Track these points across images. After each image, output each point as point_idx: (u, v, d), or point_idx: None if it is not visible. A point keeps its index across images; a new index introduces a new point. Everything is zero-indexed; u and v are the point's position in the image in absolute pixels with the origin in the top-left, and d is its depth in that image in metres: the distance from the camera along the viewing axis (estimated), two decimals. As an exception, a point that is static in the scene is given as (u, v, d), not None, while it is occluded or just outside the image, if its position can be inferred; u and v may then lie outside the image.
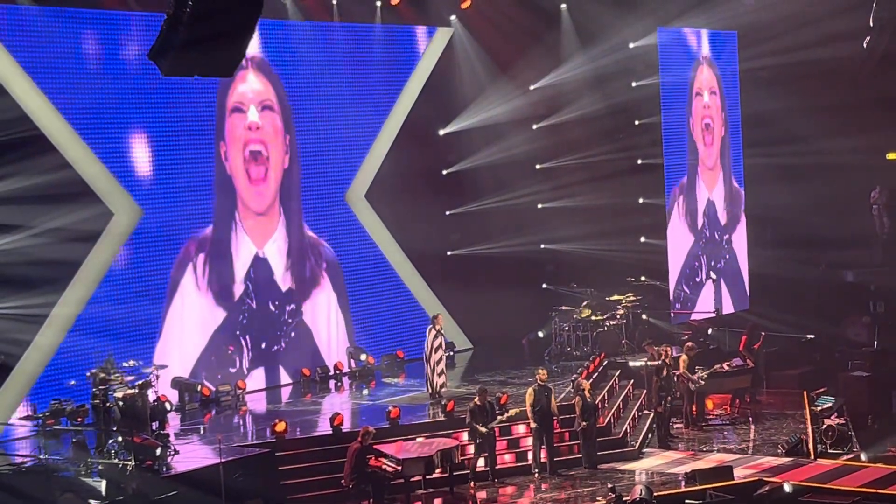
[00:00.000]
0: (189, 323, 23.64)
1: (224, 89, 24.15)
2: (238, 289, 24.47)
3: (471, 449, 19.89)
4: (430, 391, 22.45)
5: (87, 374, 19.41)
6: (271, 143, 25.05)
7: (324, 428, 20.67)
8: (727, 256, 32.58)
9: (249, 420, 22.63)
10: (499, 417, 20.02)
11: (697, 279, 31.59)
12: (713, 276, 31.44)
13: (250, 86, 24.62)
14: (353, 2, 26.42)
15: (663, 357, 22.68)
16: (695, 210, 31.78)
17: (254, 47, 24.28)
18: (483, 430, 19.57)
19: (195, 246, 23.84)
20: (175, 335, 23.32)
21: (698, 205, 31.95)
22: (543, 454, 20.24)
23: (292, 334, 25.45)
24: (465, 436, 20.10)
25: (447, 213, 28.83)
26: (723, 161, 32.94)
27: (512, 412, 20.29)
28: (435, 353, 22.30)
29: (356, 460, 18.26)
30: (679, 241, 31.33)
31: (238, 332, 24.46)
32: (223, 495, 16.82)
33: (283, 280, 25.34)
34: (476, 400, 19.87)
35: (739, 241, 33.51)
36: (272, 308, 25.13)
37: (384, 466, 18.37)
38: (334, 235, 26.56)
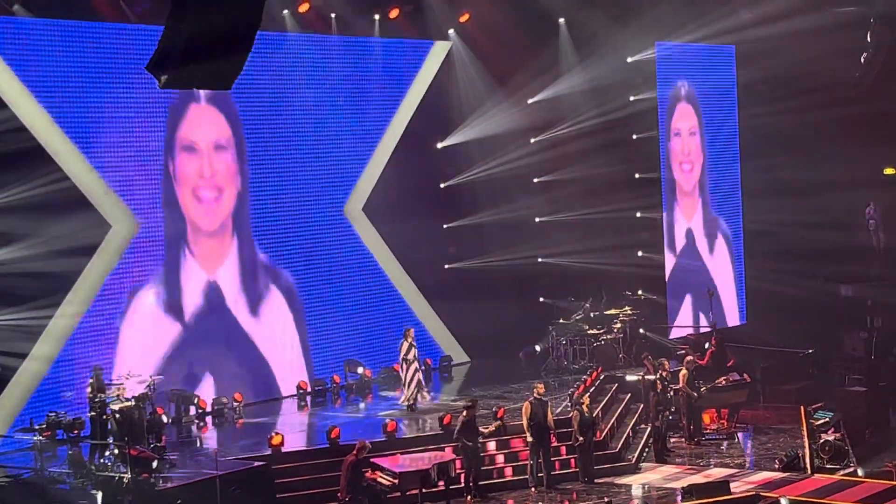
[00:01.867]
0: (182, 334, 23.68)
1: (173, 121, 23.56)
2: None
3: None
4: (407, 403, 22.71)
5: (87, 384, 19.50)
6: (225, 184, 24.55)
7: (320, 441, 20.66)
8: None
9: (246, 433, 22.57)
10: (482, 431, 19.95)
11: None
12: (710, 290, 31.45)
13: (201, 125, 24.07)
14: (352, 15, 26.46)
15: (660, 371, 22.68)
16: (672, 237, 31.70)
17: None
18: (471, 444, 19.53)
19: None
20: (172, 347, 23.32)
21: (676, 232, 31.85)
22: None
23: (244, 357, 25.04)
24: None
25: (445, 226, 28.84)
26: (701, 189, 32.78)
27: (492, 427, 20.22)
28: (410, 364, 22.58)
29: (351, 474, 18.20)
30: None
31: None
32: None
33: (236, 304, 24.76)
34: (464, 414, 19.78)
35: (736, 255, 33.52)
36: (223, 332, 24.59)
37: (380, 480, 18.35)
38: (332, 248, 26.56)
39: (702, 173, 32.66)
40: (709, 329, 29.57)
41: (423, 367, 23.33)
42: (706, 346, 26.79)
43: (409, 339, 22.81)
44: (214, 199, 24.31)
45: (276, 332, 25.41)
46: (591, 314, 27.47)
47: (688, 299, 31.68)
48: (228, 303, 24.56)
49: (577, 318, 27.31)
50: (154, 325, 23.12)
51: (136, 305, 22.82)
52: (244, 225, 24.85)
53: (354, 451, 18.38)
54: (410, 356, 22.70)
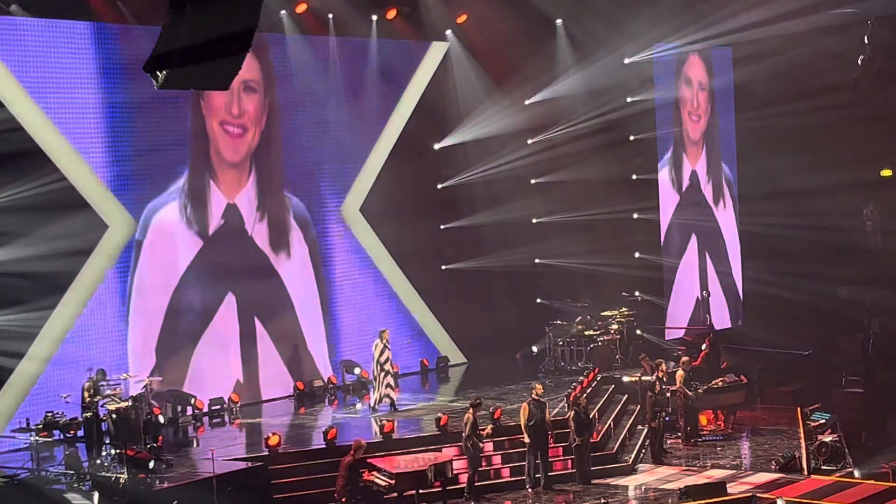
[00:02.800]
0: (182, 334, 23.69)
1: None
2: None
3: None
4: (374, 404, 22.96)
5: (86, 385, 19.49)
6: (250, 123, 25.01)
7: (317, 442, 20.65)
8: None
9: (243, 433, 22.56)
10: (480, 433, 19.89)
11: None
12: (705, 292, 31.47)
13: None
14: (349, 16, 26.46)
15: (657, 372, 22.69)
16: (680, 178, 31.93)
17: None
18: (481, 444, 19.49)
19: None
20: (169, 348, 23.31)
21: (683, 173, 32.07)
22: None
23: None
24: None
25: (442, 227, 28.85)
26: (708, 138, 32.97)
27: (489, 429, 20.16)
28: (382, 366, 22.73)
29: (349, 474, 18.20)
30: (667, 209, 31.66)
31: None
32: (216, 509, 16.82)
33: (257, 234, 25.23)
34: (471, 413, 19.75)
35: (733, 257, 33.55)
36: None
37: (377, 480, 18.34)
38: (329, 249, 26.56)
39: (707, 127, 32.81)
40: (705, 330, 29.61)
41: (392, 371, 23.29)
42: (703, 347, 26.81)
43: (384, 341, 22.90)
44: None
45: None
46: (588, 317, 27.48)
47: (686, 300, 31.69)
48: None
49: (576, 322, 27.32)
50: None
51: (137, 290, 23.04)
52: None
53: (351, 452, 18.41)
54: (383, 359, 22.79)
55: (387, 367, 22.83)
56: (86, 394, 19.37)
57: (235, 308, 24.61)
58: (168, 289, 23.49)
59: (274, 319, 25.35)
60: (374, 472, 18.47)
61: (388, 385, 22.93)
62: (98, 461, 18.22)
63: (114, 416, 18.83)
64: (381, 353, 22.79)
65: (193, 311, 23.83)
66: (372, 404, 23.04)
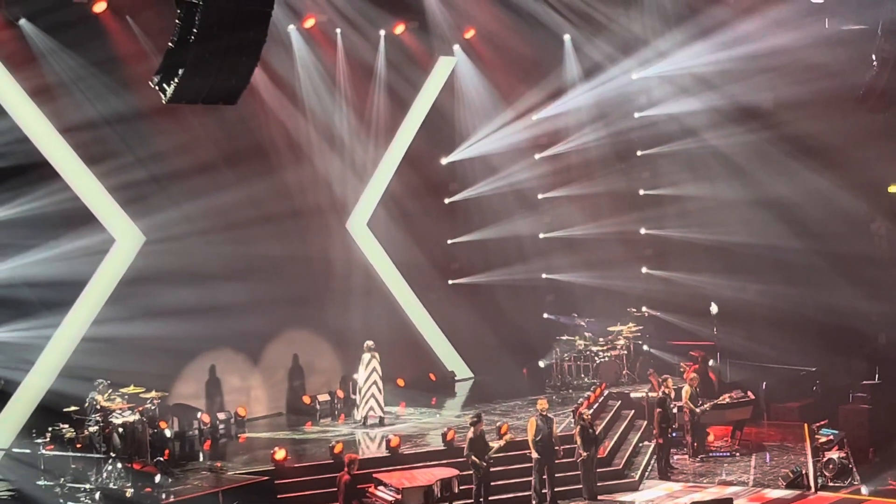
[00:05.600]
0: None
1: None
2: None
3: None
4: (361, 419, 23.12)
5: (87, 398, 19.49)
6: None
7: (323, 456, 20.62)
8: None
9: (249, 447, 22.55)
10: (492, 446, 19.81)
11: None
12: (714, 307, 31.35)
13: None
14: (357, 31, 26.51)
15: (663, 388, 22.66)
16: None
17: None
18: (481, 462, 19.40)
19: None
20: (172, 359, 23.30)
21: None
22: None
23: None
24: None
25: (449, 241, 28.85)
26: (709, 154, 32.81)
27: (501, 442, 20.08)
28: (367, 380, 22.92)
29: (347, 491, 18.04)
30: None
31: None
32: (222, 523, 16.83)
33: None
34: (472, 431, 19.67)
35: (739, 273, 33.40)
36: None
37: (383, 496, 18.29)
38: (336, 263, 26.55)
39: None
40: (710, 345, 29.57)
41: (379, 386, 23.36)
42: (711, 362, 26.80)
43: (371, 353, 22.97)
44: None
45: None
46: (589, 334, 27.49)
47: (694, 315, 31.57)
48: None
49: (579, 338, 27.33)
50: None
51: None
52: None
53: (346, 468, 18.22)
54: (368, 371, 22.89)
55: (371, 377, 22.90)
56: (94, 406, 19.35)
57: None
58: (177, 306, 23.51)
59: (279, 335, 25.37)
60: (381, 487, 18.43)
61: (373, 398, 22.98)
62: (104, 474, 18.19)
63: (120, 429, 18.83)
64: (368, 366, 22.88)
65: (202, 327, 23.81)
66: (358, 419, 23.16)
